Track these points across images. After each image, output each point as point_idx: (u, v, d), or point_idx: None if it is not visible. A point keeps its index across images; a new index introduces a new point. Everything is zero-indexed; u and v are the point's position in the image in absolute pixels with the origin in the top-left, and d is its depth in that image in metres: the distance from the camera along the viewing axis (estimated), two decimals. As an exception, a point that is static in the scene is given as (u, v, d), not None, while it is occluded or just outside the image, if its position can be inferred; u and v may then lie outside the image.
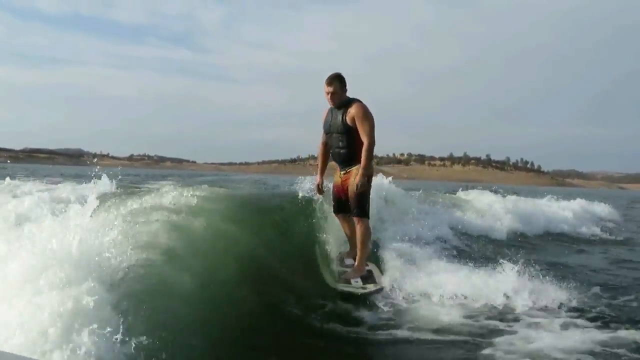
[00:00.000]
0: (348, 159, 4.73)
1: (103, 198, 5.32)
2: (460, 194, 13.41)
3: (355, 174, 4.65)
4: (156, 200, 4.45)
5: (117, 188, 7.53)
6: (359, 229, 4.69)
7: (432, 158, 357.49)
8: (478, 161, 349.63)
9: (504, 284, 4.77)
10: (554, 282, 4.89)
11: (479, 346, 3.60)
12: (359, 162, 4.61)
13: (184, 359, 2.59)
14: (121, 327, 2.24)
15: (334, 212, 5.05)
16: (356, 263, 4.72)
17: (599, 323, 4.15)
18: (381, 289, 4.49)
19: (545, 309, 4.46)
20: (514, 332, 3.94)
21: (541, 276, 4.91)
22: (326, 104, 4.79)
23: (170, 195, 4.52)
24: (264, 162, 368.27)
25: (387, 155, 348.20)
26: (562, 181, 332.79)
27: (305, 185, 5.67)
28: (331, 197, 5.13)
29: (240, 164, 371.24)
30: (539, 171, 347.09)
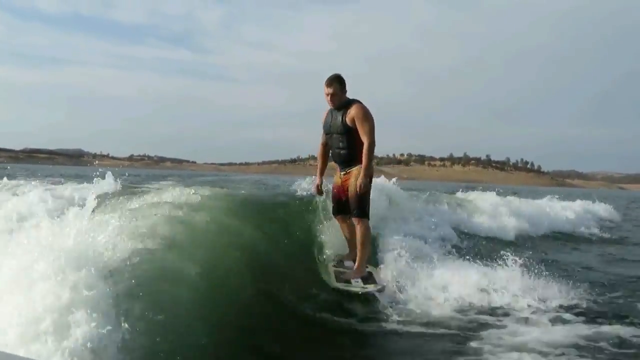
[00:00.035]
0: (348, 160, 4.75)
1: (106, 196, 5.46)
2: (462, 195, 13.51)
3: (355, 175, 4.66)
4: (159, 196, 4.58)
5: (122, 187, 7.61)
6: (359, 230, 4.68)
7: (432, 158, 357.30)
8: (478, 161, 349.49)
9: (496, 280, 4.90)
10: (546, 279, 5.00)
11: (467, 339, 3.74)
12: (359, 162, 4.63)
13: (184, 339, 2.74)
14: (121, 312, 2.37)
15: (333, 213, 5.06)
16: (356, 264, 4.69)
17: (585, 318, 4.29)
18: (382, 289, 4.51)
19: (535, 304, 4.59)
20: (503, 327, 4.08)
21: (534, 273, 5.02)
22: (326, 105, 4.82)
23: (173, 192, 4.64)
24: (264, 163, 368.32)
25: (387, 155, 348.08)
26: (562, 181, 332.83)
27: (306, 185, 5.79)
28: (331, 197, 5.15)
29: (240, 164, 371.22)
30: (539, 171, 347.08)
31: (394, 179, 8.19)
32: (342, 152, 4.76)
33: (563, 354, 3.43)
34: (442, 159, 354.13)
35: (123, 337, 2.31)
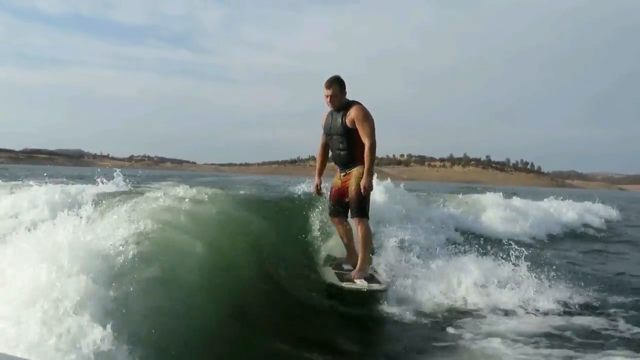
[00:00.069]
0: (348, 161, 4.76)
1: (112, 195, 5.77)
2: (463, 196, 13.75)
3: (355, 175, 4.67)
4: (165, 193, 4.89)
5: (130, 187, 7.87)
6: (359, 230, 4.67)
7: (432, 159, 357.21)
8: (478, 162, 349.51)
9: (486, 276, 5.16)
10: (531, 275, 5.23)
11: (447, 325, 4.10)
12: (359, 163, 4.66)
13: (191, 312, 3.12)
14: (133, 279, 2.72)
15: (330, 215, 5.04)
16: (359, 264, 4.64)
17: (560, 310, 4.62)
18: (387, 288, 4.48)
19: (517, 298, 4.83)
20: (483, 317, 4.42)
21: (521, 269, 5.29)
22: (326, 106, 4.85)
23: (179, 190, 4.95)
24: (264, 163, 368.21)
25: (387, 156, 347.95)
26: (562, 182, 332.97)
27: (306, 188, 6.08)
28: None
29: (241, 164, 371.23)
30: (539, 172, 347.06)
31: (401, 184, 8.34)
32: (342, 153, 4.78)
33: (534, 342, 3.74)
34: (442, 160, 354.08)
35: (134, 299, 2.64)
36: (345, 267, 4.92)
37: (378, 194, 7.57)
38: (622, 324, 4.25)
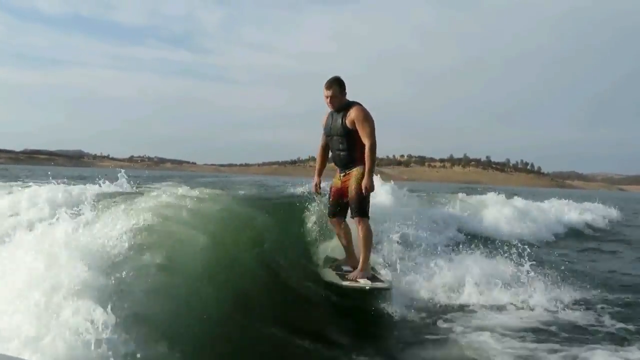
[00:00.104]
0: (348, 161, 4.78)
1: (112, 195, 5.92)
2: (464, 196, 13.89)
3: (355, 175, 4.69)
4: (168, 191, 5.05)
5: (134, 187, 7.99)
6: (360, 230, 4.68)
7: (432, 159, 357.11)
8: (478, 162, 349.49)
9: (483, 273, 5.31)
10: (526, 272, 5.38)
11: (439, 320, 4.28)
12: (359, 163, 4.68)
13: (197, 296, 3.35)
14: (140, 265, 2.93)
15: (329, 215, 5.05)
16: (360, 264, 4.64)
17: (548, 306, 4.76)
18: (389, 287, 4.47)
19: (509, 294, 4.99)
20: (474, 312, 4.59)
21: (516, 267, 5.46)
22: (326, 107, 4.87)
23: (180, 189, 5.10)
24: (264, 164, 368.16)
25: (387, 156, 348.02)
26: (562, 182, 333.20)
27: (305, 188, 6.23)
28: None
29: (241, 165, 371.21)
30: (539, 173, 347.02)
31: (405, 190, 8.40)
32: (342, 153, 4.80)
33: (521, 336, 3.90)
34: (442, 160, 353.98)
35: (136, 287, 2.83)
36: (345, 268, 4.93)
37: (384, 196, 7.75)
38: (607, 320, 4.41)
